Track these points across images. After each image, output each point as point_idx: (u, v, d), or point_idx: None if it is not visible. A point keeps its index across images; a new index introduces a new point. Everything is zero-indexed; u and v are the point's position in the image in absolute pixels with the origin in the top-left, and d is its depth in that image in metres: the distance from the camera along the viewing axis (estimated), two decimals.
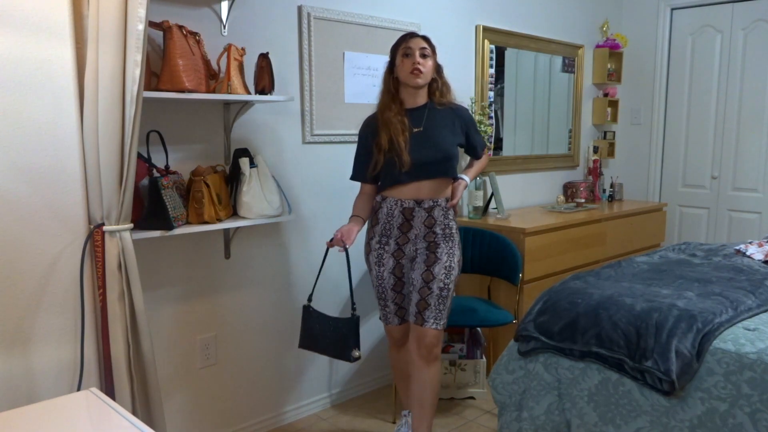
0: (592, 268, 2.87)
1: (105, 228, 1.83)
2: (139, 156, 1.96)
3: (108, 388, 1.89)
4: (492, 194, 3.44)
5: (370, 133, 2.27)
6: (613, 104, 4.45)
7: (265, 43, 2.50)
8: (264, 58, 2.35)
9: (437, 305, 2.24)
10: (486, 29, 3.47)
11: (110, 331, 1.86)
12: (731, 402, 1.75)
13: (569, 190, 4.16)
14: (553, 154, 4.11)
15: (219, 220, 2.25)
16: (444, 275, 2.25)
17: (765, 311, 2.08)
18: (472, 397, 3.01)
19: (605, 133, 4.51)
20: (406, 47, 2.22)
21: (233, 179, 2.35)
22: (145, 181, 2.10)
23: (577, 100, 4.22)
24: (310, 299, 2.34)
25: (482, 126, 3.29)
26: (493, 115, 3.61)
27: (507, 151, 3.76)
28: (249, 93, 2.31)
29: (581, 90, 4.23)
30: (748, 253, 2.80)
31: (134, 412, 1.90)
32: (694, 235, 4.32)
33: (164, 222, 2.06)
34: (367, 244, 2.36)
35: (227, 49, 2.24)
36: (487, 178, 3.47)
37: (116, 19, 1.73)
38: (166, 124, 2.25)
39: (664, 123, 4.42)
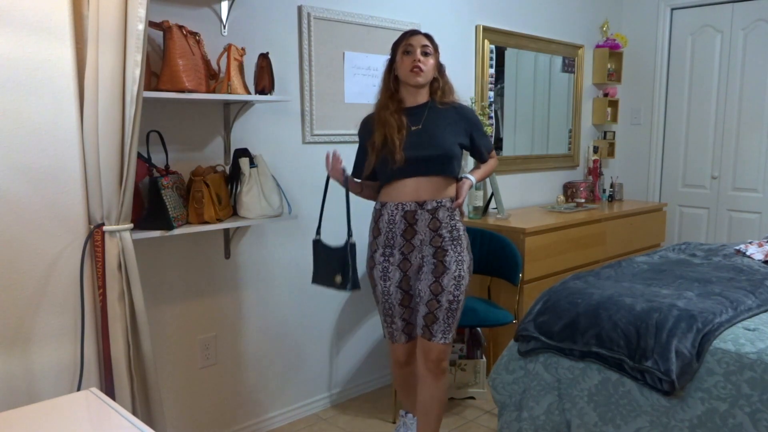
0: (592, 268, 2.87)
1: (105, 228, 1.83)
2: (139, 156, 1.96)
3: (108, 388, 1.89)
4: (492, 194, 3.45)
5: (367, 132, 2.22)
6: (613, 104, 4.45)
7: (265, 43, 2.50)
8: (264, 58, 2.35)
9: (446, 319, 2.15)
10: (486, 29, 3.47)
11: (110, 331, 1.86)
12: (731, 402, 1.75)
13: (569, 190, 4.16)
14: (553, 154, 4.11)
15: (219, 220, 2.25)
16: (453, 286, 2.15)
17: (765, 311, 2.08)
18: (472, 397, 3.01)
19: (605, 133, 4.51)
20: (407, 44, 2.14)
21: (233, 179, 2.35)
22: (145, 181, 2.10)
23: (577, 100, 4.22)
24: (318, 232, 2.28)
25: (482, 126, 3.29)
26: (493, 115, 3.61)
27: (507, 151, 3.76)
28: (249, 93, 2.31)
29: (581, 90, 4.23)
30: (748, 253, 2.80)
31: (134, 412, 1.90)
32: (694, 235, 4.32)
33: (164, 222, 2.06)
34: (370, 258, 2.25)
35: (227, 49, 2.24)
36: (487, 178, 3.46)
37: (116, 19, 1.73)
38: (166, 124, 2.25)
39: (664, 123, 4.42)
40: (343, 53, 2.80)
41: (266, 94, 2.35)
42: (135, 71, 1.76)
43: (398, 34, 2.27)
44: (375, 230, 2.23)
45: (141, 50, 1.76)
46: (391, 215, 2.17)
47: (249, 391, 2.65)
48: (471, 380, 3.01)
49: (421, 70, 2.12)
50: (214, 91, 2.23)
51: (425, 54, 2.14)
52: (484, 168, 2.38)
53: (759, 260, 2.70)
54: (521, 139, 3.86)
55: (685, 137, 4.34)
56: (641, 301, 2.05)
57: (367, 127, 2.25)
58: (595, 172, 4.27)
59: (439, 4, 3.22)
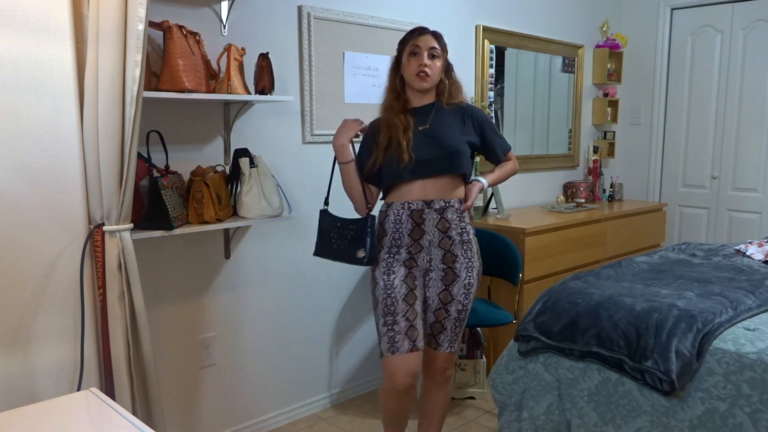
0: (592, 268, 2.86)
1: (105, 228, 1.83)
2: (139, 156, 1.96)
3: (108, 388, 1.89)
4: (492, 194, 3.45)
5: (373, 134, 2.12)
6: (613, 104, 4.45)
7: (265, 43, 2.50)
8: (264, 58, 2.35)
9: (454, 329, 2.10)
10: (486, 29, 3.47)
11: (110, 331, 1.86)
12: (731, 402, 1.75)
13: (569, 190, 4.16)
14: (553, 154, 4.11)
15: (219, 220, 2.25)
16: (463, 295, 2.08)
17: (765, 311, 2.08)
18: (472, 397, 3.01)
19: (605, 133, 4.51)
20: (414, 45, 2.03)
21: (233, 179, 2.35)
22: (145, 181, 2.10)
23: (577, 100, 4.22)
24: (326, 203, 2.18)
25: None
26: (493, 115, 3.61)
27: None
28: (249, 93, 2.31)
29: (581, 90, 4.23)
30: (748, 253, 2.80)
31: (134, 412, 1.90)
32: (694, 235, 4.32)
33: (164, 222, 2.06)
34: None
35: (227, 49, 2.24)
36: None
37: (116, 19, 1.73)
38: (166, 124, 2.25)
39: (664, 123, 4.42)
40: (343, 53, 2.80)
41: (266, 94, 2.35)
42: (135, 71, 1.76)
43: (398, 34, 2.22)
44: (380, 231, 2.12)
45: (141, 50, 1.76)
46: (398, 215, 2.08)
47: (249, 391, 2.65)
48: (471, 380, 3.01)
49: (427, 75, 2.03)
50: (214, 91, 2.23)
51: (432, 57, 2.03)
52: (499, 171, 2.25)
53: (759, 260, 2.70)
54: (521, 139, 3.86)
55: (685, 137, 4.34)
56: (641, 301, 2.05)
57: (372, 129, 2.13)
58: (595, 172, 4.27)
59: (439, 4, 3.22)
